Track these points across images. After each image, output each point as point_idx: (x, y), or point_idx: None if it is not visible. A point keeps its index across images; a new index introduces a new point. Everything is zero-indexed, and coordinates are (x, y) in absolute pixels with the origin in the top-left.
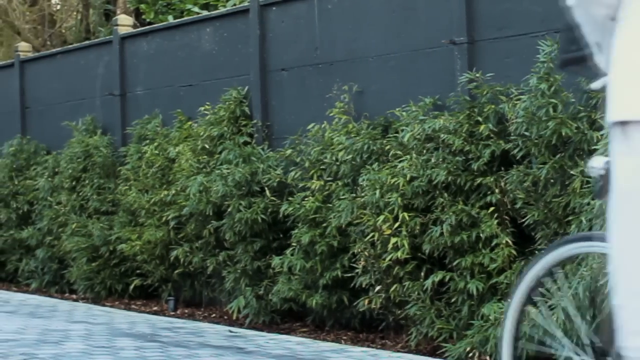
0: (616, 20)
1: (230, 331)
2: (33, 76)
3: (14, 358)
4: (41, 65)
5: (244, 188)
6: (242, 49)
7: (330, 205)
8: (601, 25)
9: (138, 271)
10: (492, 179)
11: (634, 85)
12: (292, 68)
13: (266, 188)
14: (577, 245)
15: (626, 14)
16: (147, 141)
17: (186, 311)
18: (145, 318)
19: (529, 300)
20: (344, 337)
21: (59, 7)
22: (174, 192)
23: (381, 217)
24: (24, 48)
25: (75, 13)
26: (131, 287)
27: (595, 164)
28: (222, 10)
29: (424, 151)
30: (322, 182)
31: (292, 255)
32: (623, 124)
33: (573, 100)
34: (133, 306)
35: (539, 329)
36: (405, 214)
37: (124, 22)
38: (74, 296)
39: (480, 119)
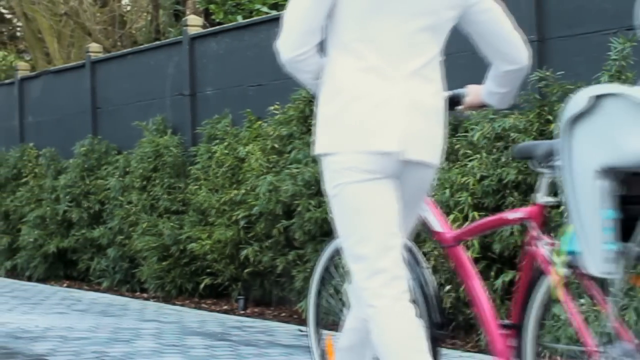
0: (319, 79)
1: (300, 330)
2: (104, 77)
3: (86, 356)
4: (112, 66)
5: (313, 187)
6: None
7: None
8: (309, 83)
9: (208, 270)
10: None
11: (322, 129)
12: None
13: None
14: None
15: (324, 77)
16: (217, 141)
17: (256, 310)
18: (215, 317)
19: (326, 272)
20: None
21: (129, 8)
22: (243, 191)
23: (451, 217)
24: (94, 49)
25: (145, 14)
26: (201, 286)
27: None
28: None
29: (494, 150)
30: None
31: None
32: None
33: None
34: (203, 305)
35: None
36: (476, 213)
37: (194, 23)
38: (145, 295)
39: (550, 117)
